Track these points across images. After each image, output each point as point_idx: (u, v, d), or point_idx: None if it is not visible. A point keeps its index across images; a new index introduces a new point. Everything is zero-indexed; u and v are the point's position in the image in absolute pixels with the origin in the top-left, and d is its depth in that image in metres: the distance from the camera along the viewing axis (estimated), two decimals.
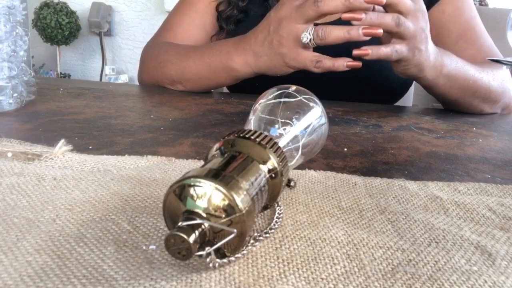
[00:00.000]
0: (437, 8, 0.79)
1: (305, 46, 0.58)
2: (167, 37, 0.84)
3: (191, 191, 0.20)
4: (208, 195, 0.20)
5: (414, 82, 1.04)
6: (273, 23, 0.60)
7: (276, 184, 0.25)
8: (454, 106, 0.72)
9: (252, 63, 0.65)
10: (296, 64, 0.60)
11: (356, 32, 0.53)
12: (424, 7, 0.58)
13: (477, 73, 0.68)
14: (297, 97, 0.32)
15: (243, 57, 0.65)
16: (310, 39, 0.56)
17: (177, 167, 0.35)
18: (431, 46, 0.60)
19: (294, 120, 0.30)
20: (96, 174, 0.32)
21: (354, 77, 0.81)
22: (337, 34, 0.54)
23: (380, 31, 0.53)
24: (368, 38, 0.54)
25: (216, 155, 0.25)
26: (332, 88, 0.81)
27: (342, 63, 0.56)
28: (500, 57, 0.73)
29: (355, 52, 0.55)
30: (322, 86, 0.80)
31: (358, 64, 0.56)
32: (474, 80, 0.68)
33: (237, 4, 0.80)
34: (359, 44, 0.56)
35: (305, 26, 0.56)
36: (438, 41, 0.78)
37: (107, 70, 3.01)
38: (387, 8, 0.55)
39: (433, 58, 0.61)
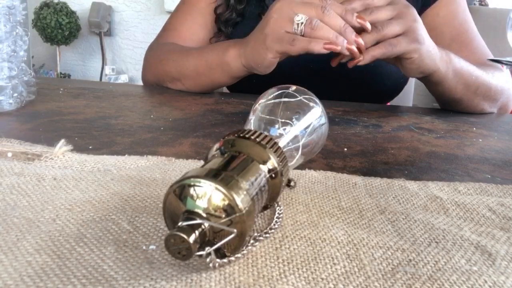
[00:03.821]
0: (432, 11, 0.79)
1: (289, 31, 0.57)
2: (170, 36, 0.84)
3: (191, 191, 0.20)
4: (208, 195, 0.20)
5: (413, 82, 1.05)
6: (269, 9, 0.61)
7: (276, 184, 0.25)
8: (457, 105, 0.72)
9: (242, 53, 0.65)
10: (274, 44, 0.58)
11: (342, 43, 0.55)
12: (407, 5, 0.59)
13: (477, 70, 0.69)
14: (297, 97, 0.32)
15: (237, 50, 0.66)
16: (302, 23, 0.56)
17: (177, 167, 0.35)
18: (430, 39, 0.61)
19: (294, 120, 0.30)
20: (96, 174, 0.32)
21: (351, 72, 0.81)
22: (326, 33, 0.55)
23: (362, 43, 0.56)
24: (348, 53, 0.56)
25: (216, 155, 0.25)
26: (328, 83, 0.81)
27: (319, 45, 0.56)
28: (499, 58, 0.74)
29: (351, 64, 0.59)
30: (318, 83, 0.80)
31: (336, 47, 0.56)
32: (476, 76, 0.68)
33: (235, 7, 0.81)
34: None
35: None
36: None
37: (107, 70, 3.01)
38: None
39: (438, 50, 0.62)
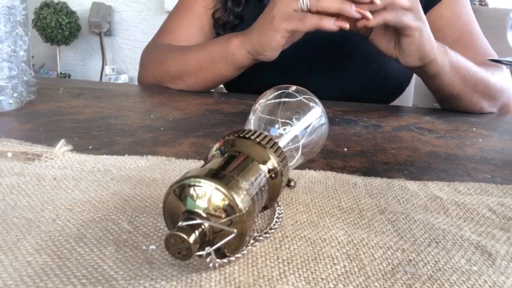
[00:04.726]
0: (435, 12, 0.79)
1: (296, 9, 0.58)
2: (166, 39, 0.84)
3: (191, 191, 0.20)
4: (208, 195, 0.20)
5: (413, 82, 1.05)
6: None
7: (276, 184, 0.25)
8: (455, 101, 0.72)
9: (247, 41, 0.65)
10: (282, 24, 0.59)
11: (349, 7, 0.55)
12: None
13: (475, 66, 0.69)
14: (297, 97, 0.32)
15: (241, 38, 0.66)
16: None
17: (177, 167, 0.35)
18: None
19: (294, 120, 0.30)
20: (96, 174, 0.32)
21: (352, 75, 0.81)
22: (331, 1, 0.55)
23: (370, 16, 0.55)
24: (359, 16, 0.55)
25: (216, 155, 0.25)
26: (330, 87, 0.81)
27: (329, 21, 0.56)
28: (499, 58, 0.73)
29: (360, 24, 0.56)
30: (320, 85, 0.80)
31: (346, 26, 0.56)
32: (474, 72, 0.68)
33: (233, 10, 0.80)
34: (347, 38, 0.57)
35: None
36: None
37: (107, 70, 3.01)
38: None
39: (435, 41, 0.63)
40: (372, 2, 0.55)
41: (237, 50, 0.66)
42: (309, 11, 0.57)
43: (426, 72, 0.66)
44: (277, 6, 0.59)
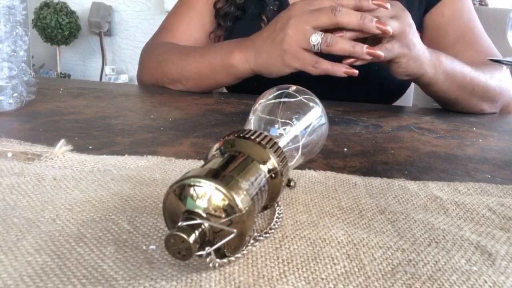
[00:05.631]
0: (436, 11, 0.79)
1: (306, 49, 0.58)
2: (166, 37, 0.84)
3: (191, 191, 0.20)
4: (208, 195, 0.20)
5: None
6: (281, 21, 0.60)
7: (276, 184, 0.25)
8: (454, 105, 0.72)
9: (251, 60, 0.65)
10: (294, 62, 0.59)
11: (360, 50, 0.56)
12: (404, 8, 0.60)
13: (473, 71, 0.69)
14: (297, 97, 0.32)
15: (243, 54, 0.66)
16: (319, 42, 0.56)
17: (177, 167, 0.35)
18: (422, 43, 0.62)
19: (294, 120, 0.30)
20: (96, 174, 0.32)
21: (353, 78, 0.80)
22: (343, 45, 0.56)
23: (382, 54, 0.56)
24: (370, 58, 0.56)
25: (216, 155, 0.25)
26: (330, 88, 0.81)
27: (340, 69, 0.57)
28: (500, 58, 0.73)
29: (346, 62, 0.58)
30: (321, 86, 0.80)
31: (355, 72, 0.57)
32: (471, 78, 0.68)
33: (234, 1, 0.81)
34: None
35: (312, 30, 0.57)
36: (437, 43, 0.78)
37: (107, 70, 3.01)
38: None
39: (428, 54, 0.63)
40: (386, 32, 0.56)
41: (239, 64, 0.66)
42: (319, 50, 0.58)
43: (419, 82, 0.68)
44: (287, 41, 0.58)
